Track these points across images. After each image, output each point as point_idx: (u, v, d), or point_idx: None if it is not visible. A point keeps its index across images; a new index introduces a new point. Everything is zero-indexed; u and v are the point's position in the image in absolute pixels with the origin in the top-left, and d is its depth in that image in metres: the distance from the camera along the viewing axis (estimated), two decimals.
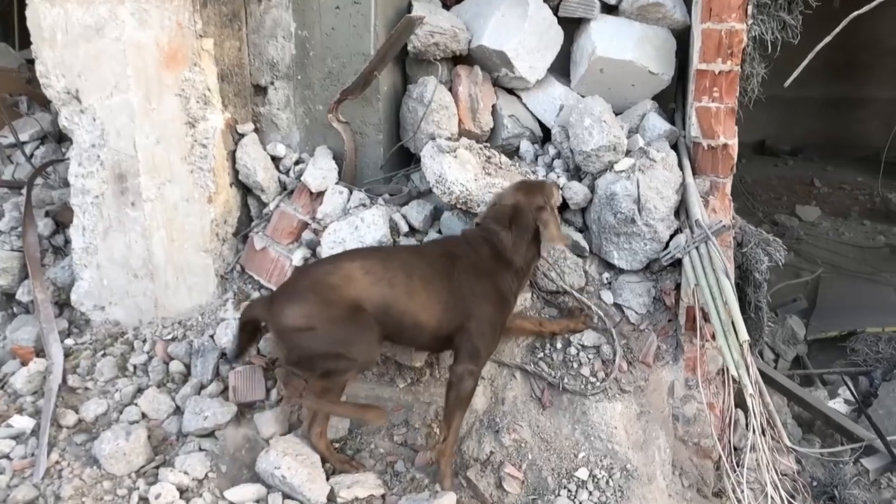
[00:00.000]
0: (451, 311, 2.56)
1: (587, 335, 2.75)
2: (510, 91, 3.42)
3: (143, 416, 2.78)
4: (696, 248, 2.80)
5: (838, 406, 3.50)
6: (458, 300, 2.57)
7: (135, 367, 3.00)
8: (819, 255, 5.59)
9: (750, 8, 2.85)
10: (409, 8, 3.31)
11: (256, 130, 3.36)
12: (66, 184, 3.26)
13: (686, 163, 3.07)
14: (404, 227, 3.00)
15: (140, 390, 2.88)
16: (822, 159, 8.19)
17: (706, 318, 2.76)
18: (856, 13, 2.79)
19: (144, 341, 3.12)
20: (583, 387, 2.69)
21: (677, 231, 2.94)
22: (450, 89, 3.30)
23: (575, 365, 2.73)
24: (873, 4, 2.74)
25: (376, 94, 3.24)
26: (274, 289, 3.14)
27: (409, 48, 3.23)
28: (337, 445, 2.68)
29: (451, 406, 2.52)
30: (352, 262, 2.58)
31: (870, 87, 7.60)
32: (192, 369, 2.94)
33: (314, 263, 2.79)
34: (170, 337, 3.11)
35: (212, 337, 3.03)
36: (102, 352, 3.07)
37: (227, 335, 2.99)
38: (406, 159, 3.45)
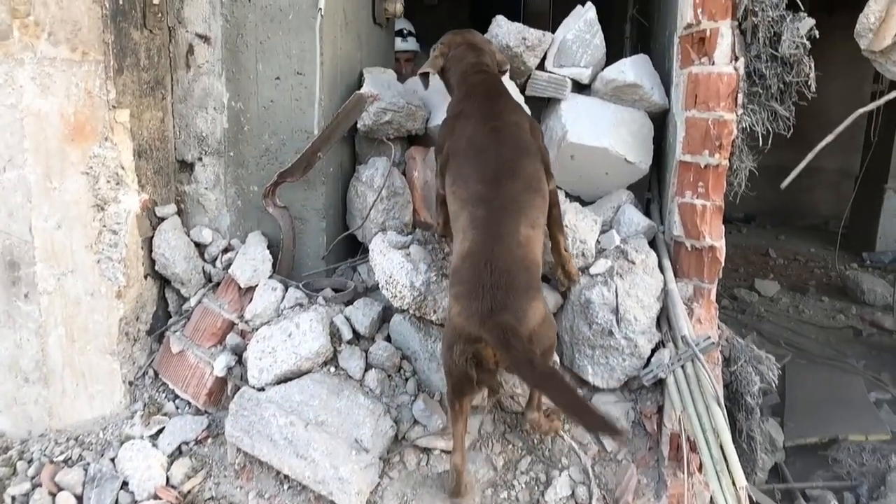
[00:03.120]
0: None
1: (561, 482, 2.34)
2: None
3: None
4: (682, 366, 2.46)
5: None
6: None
7: (13, 498, 2.47)
8: (781, 334, 5.41)
9: (740, 97, 2.56)
10: (360, 80, 2.94)
11: (180, 212, 2.92)
12: None
13: (666, 264, 2.74)
14: (347, 334, 2.58)
15: None
16: (774, 227, 8.23)
17: (692, 447, 2.40)
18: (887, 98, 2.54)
19: (30, 462, 2.60)
20: None
21: (658, 344, 2.59)
22: (403, 172, 2.93)
23: None
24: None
25: (321, 176, 2.84)
26: (192, 401, 2.69)
27: (358, 125, 2.86)
28: None
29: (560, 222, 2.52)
30: (517, 231, 2.18)
31: (816, 156, 7.67)
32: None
33: (482, 245, 2.16)
34: (62, 457, 2.60)
35: (112, 461, 2.53)
36: None
37: (131, 459, 2.50)
38: (353, 247, 3.05)
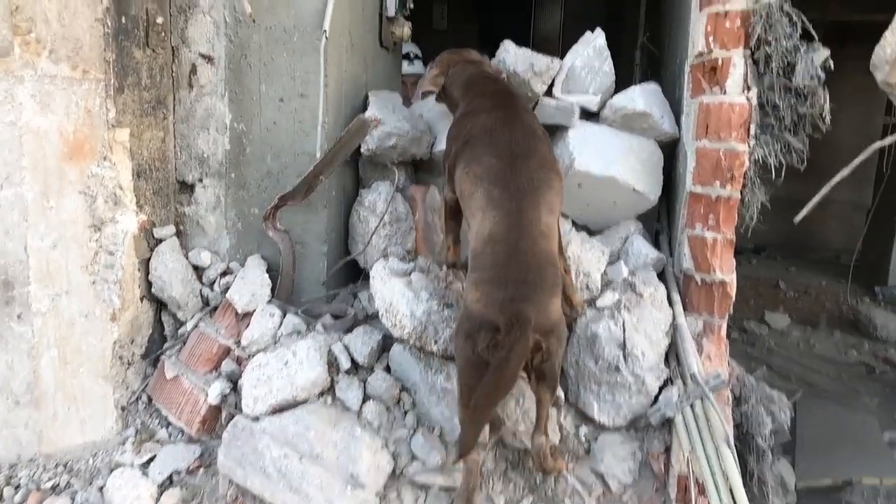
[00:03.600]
0: None
1: None
2: None
3: None
4: (691, 405, 2.37)
5: None
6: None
7: None
8: (792, 369, 5.31)
9: (753, 127, 2.49)
10: (366, 103, 2.90)
11: (179, 234, 2.87)
12: None
13: (675, 297, 2.66)
14: (345, 363, 2.50)
15: None
16: (785, 259, 8.12)
17: (701, 490, 2.31)
18: None
19: (17, 488, 2.52)
20: None
21: (667, 381, 2.51)
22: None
23: None
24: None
25: (322, 200, 2.79)
26: (185, 428, 2.61)
27: (361, 149, 2.81)
28: None
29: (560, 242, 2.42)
30: (539, 220, 2.13)
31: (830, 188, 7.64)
32: None
33: (505, 231, 2.10)
34: (49, 484, 2.52)
35: (101, 490, 2.46)
36: None
37: (119, 489, 2.43)
38: (355, 273, 2.98)
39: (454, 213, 2.48)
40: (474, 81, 2.62)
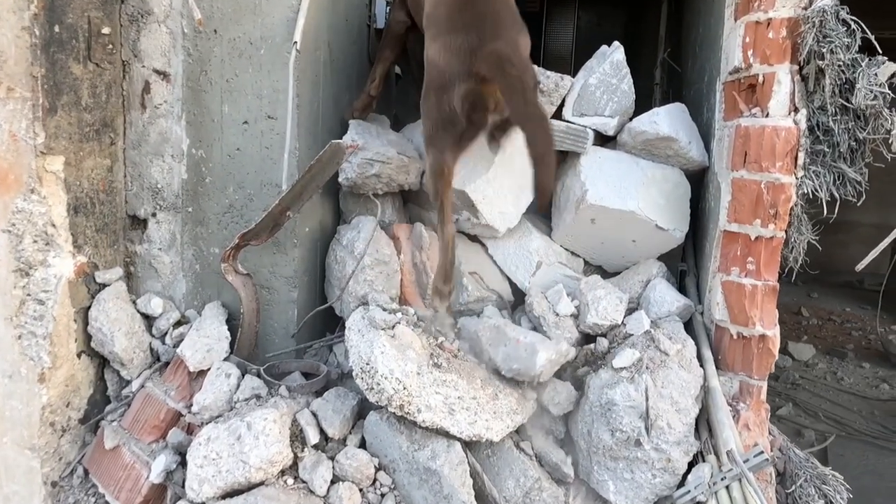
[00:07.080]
0: None
1: None
2: (473, 238, 2.60)
3: None
4: (726, 487, 1.97)
5: None
6: None
7: None
8: (819, 406, 4.90)
9: (801, 156, 2.09)
10: (345, 127, 2.51)
11: (130, 276, 2.48)
12: None
13: (707, 354, 2.25)
14: (313, 437, 2.08)
15: None
16: (805, 284, 7.77)
17: None
18: None
19: None
20: None
21: (697, 455, 2.10)
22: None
23: None
24: None
25: (292, 238, 2.39)
26: None
27: (340, 179, 2.42)
28: None
29: None
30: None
31: (853, 210, 7.34)
32: None
33: None
34: None
35: None
36: None
37: None
38: (332, 322, 2.58)
39: (395, 42, 2.60)
40: None
